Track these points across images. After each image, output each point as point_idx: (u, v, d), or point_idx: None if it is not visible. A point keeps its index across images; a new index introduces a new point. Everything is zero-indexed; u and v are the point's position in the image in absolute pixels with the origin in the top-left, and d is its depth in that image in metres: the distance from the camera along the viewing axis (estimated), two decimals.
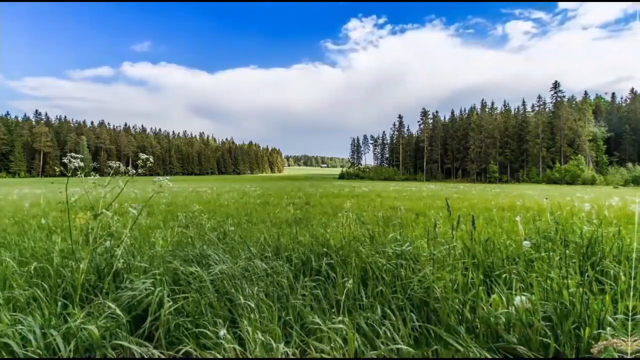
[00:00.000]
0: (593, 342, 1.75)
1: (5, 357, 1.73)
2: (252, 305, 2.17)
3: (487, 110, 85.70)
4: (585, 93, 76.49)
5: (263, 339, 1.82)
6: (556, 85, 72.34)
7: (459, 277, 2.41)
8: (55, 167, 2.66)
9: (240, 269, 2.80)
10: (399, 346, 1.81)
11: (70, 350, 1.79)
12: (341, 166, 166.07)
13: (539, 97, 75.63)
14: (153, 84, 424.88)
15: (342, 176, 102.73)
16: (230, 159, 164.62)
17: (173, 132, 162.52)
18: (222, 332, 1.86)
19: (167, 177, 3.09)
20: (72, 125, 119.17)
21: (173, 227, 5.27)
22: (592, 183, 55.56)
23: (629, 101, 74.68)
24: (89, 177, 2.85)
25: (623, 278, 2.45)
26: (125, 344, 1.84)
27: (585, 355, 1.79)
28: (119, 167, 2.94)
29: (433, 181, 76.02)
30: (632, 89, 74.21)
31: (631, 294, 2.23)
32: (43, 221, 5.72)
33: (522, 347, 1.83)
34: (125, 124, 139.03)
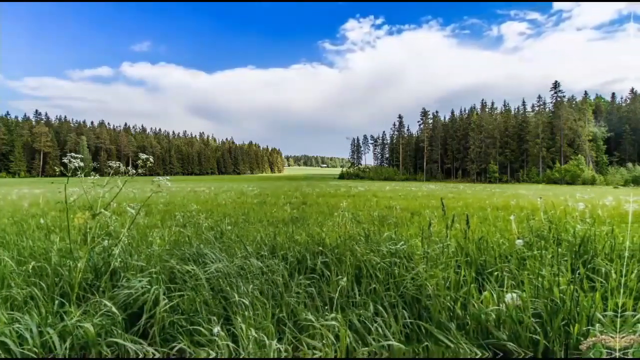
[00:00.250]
0: (582, 339, 1.77)
1: (2, 356, 1.75)
2: (247, 302, 2.19)
3: (487, 110, 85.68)
4: (585, 93, 76.59)
5: (256, 335, 1.84)
6: (556, 85, 72.32)
7: (451, 274, 2.44)
8: (55, 167, 2.68)
9: (236, 267, 2.83)
10: (390, 342, 1.83)
11: (65, 348, 1.81)
12: (341, 166, 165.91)
13: (539, 97, 75.72)
14: (152, 84, 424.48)
15: (342, 176, 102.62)
16: (230, 159, 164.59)
17: (173, 132, 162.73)
18: (216, 329, 1.89)
19: (167, 177, 3.11)
20: (72, 125, 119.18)
21: (171, 227, 5.30)
22: (592, 183, 55.58)
23: (628, 101, 74.67)
24: (88, 177, 2.87)
25: (614, 276, 2.47)
26: (120, 341, 1.86)
27: (574, 352, 1.82)
28: (119, 167, 2.96)
29: (433, 181, 75.97)
30: (632, 89, 74.26)
31: (621, 291, 2.26)
32: (42, 221, 5.74)
33: (511, 344, 1.86)
34: (125, 124, 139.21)
